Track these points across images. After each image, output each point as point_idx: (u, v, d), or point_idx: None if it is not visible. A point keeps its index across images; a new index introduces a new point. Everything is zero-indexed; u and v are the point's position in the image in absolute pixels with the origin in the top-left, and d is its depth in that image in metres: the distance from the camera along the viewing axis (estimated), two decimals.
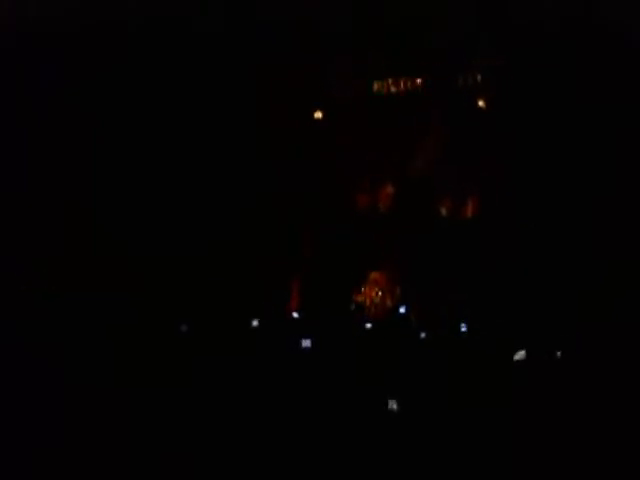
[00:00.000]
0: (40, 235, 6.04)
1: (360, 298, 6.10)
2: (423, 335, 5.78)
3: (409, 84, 6.42)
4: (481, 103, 6.31)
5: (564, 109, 6.03)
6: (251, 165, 6.40)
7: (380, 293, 6.11)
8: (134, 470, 4.85)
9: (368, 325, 5.78)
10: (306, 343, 5.41)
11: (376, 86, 6.46)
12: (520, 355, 5.37)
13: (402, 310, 5.88)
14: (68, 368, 5.32)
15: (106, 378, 5.30)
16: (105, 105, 6.20)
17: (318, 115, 6.45)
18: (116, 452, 4.95)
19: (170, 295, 5.80)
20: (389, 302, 6.11)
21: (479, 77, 6.30)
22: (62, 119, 6.15)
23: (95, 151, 6.20)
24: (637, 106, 5.84)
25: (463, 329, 5.76)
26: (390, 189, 6.37)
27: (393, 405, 5.19)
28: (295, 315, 5.91)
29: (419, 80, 6.40)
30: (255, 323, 5.57)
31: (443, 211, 6.34)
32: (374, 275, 6.18)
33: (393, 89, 6.42)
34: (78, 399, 5.18)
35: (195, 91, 6.34)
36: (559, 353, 5.35)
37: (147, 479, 4.79)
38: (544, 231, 6.05)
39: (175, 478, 4.78)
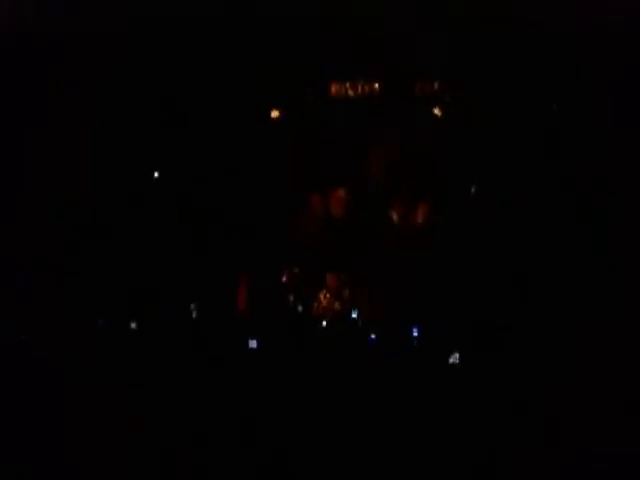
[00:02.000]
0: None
1: (309, 300, 6.11)
2: (372, 337, 5.84)
3: (367, 87, 6.43)
4: (437, 110, 6.35)
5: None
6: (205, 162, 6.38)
7: (329, 296, 6.12)
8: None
9: (316, 327, 5.82)
10: (252, 344, 5.42)
11: (334, 88, 6.46)
12: (454, 358, 5.48)
13: (353, 315, 5.91)
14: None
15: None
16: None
17: (275, 114, 6.43)
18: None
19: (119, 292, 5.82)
20: (337, 305, 6.12)
21: (436, 84, 6.35)
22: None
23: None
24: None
25: (414, 334, 5.83)
26: (343, 192, 6.37)
27: None
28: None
29: (377, 84, 6.40)
30: (199, 320, 5.61)
31: (395, 215, 6.37)
32: (323, 278, 6.19)
33: (351, 92, 6.43)
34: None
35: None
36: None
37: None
38: (498, 235, 6.12)
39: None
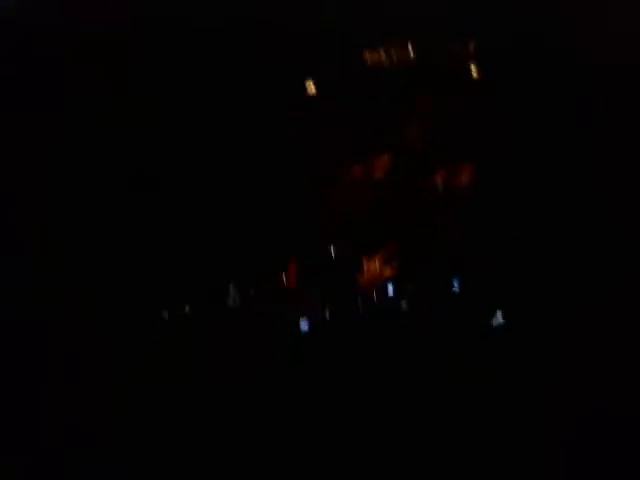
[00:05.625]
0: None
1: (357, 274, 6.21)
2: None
3: (401, 53, 6.37)
4: (474, 72, 6.26)
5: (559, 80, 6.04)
6: (244, 138, 6.44)
7: (377, 266, 6.22)
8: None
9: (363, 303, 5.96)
10: (304, 326, 5.57)
11: (368, 56, 6.41)
12: (497, 320, 5.55)
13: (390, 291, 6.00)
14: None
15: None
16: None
17: (311, 90, 6.43)
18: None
19: (164, 277, 6.00)
20: (385, 274, 6.22)
21: (472, 45, 6.24)
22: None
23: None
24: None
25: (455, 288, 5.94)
26: (384, 161, 6.39)
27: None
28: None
29: (411, 49, 6.34)
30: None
31: (438, 181, 6.37)
32: (371, 249, 6.27)
33: (385, 59, 6.38)
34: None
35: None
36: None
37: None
38: (539, 204, 6.10)
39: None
